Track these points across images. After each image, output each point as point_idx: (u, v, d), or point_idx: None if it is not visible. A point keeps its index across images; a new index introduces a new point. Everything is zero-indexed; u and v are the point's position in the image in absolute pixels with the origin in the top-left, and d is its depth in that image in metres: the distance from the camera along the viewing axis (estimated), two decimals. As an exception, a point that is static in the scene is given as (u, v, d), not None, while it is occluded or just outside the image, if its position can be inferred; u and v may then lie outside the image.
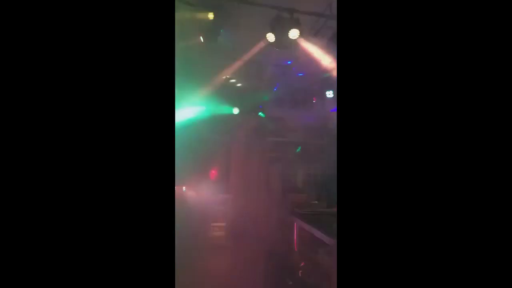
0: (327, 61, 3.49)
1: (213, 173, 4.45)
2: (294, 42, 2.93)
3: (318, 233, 2.63)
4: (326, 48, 3.28)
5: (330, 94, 4.02)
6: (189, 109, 4.36)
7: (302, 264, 3.02)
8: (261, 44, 3.33)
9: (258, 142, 4.41)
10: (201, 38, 3.06)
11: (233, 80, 4.60)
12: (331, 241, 2.34)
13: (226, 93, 4.60)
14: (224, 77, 4.38)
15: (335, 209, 3.31)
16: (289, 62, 4.12)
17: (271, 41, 2.90)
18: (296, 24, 2.78)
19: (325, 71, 3.83)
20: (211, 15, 2.88)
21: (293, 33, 2.79)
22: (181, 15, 2.81)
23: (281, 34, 2.82)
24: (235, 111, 4.83)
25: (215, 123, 4.53)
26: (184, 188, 3.63)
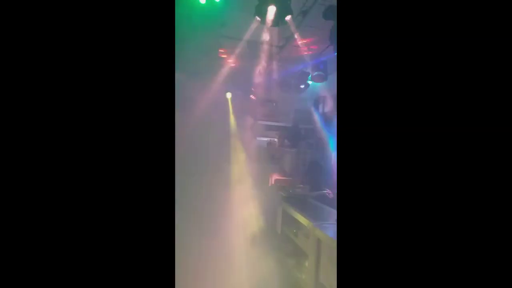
0: (320, 41, 3.38)
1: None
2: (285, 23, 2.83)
3: (299, 216, 2.73)
4: (318, 28, 3.16)
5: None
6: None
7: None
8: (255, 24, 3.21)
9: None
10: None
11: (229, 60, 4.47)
12: (309, 224, 2.43)
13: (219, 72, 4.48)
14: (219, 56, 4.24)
15: (317, 193, 3.41)
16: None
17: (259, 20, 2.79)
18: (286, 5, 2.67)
19: (318, 52, 3.74)
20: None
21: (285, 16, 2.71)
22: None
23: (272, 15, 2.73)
24: (228, 95, 4.74)
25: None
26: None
